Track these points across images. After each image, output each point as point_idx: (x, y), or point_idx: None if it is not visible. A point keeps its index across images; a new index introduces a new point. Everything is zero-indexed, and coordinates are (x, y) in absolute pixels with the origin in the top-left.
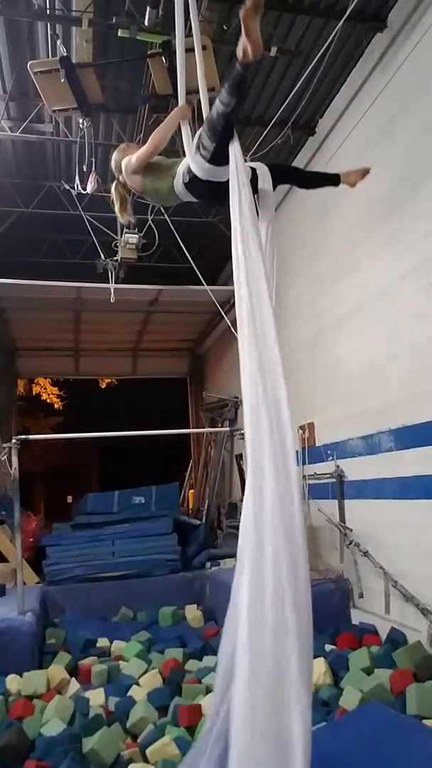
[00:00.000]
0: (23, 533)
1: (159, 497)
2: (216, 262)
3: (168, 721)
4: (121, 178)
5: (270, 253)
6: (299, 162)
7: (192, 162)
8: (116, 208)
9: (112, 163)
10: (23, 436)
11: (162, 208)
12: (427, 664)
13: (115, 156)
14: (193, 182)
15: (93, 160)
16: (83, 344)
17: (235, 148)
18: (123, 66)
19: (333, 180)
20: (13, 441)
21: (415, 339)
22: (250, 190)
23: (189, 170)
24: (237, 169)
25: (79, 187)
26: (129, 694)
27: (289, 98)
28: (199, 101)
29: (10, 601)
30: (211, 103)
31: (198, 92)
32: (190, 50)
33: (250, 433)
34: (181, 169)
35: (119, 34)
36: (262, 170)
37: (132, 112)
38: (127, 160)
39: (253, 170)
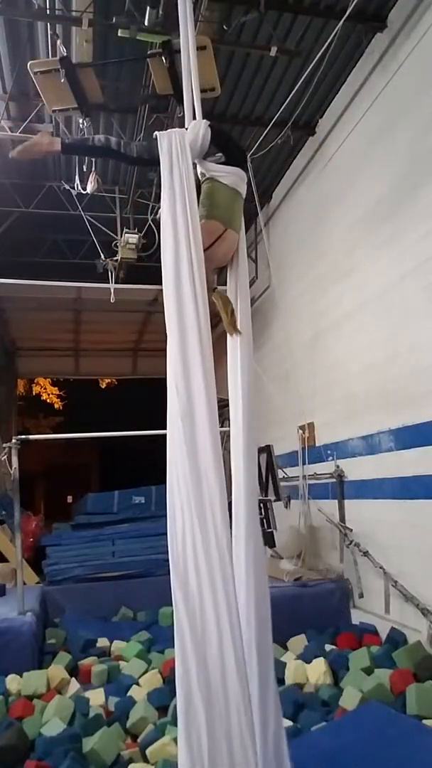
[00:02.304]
0: (23, 533)
1: (159, 497)
2: None
3: (168, 721)
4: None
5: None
6: (299, 162)
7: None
8: (226, 321)
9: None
10: (23, 436)
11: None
12: (427, 664)
13: None
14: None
15: (93, 160)
16: (83, 344)
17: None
18: (123, 66)
19: None
20: (13, 441)
21: (415, 339)
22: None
23: (204, 136)
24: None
25: (79, 187)
26: (129, 694)
27: (289, 98)
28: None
29: (10, 601)
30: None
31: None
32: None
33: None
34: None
35: (119, 34)
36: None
37: (132, 112)
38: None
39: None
